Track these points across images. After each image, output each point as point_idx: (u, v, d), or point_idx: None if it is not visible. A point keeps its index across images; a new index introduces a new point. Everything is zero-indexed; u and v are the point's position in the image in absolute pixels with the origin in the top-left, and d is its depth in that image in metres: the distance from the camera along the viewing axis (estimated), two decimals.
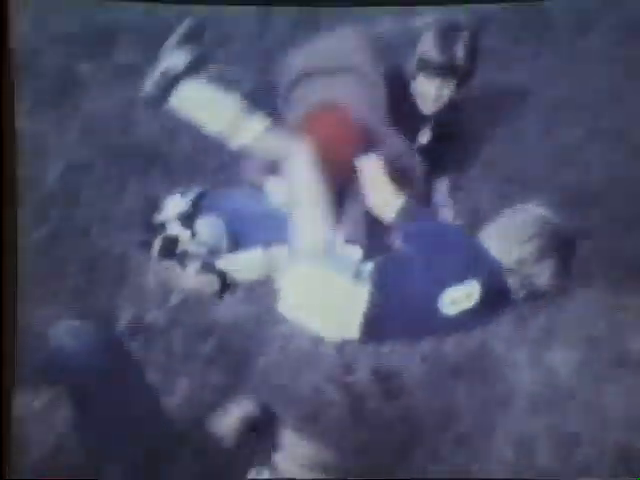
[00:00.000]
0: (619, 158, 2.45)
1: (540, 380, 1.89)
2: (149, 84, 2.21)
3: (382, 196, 2.16)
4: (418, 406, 1.83)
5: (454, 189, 2.47)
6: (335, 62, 2.32)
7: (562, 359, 1.92)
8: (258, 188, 2.25)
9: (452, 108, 2.49)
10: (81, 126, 2.45)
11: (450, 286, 1.98)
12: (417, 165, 2.40)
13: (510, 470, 1.67)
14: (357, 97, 2.29)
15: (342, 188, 2.26)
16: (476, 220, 2.24)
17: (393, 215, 2.11)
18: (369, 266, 2.08)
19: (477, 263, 2.02)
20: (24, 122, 2.43)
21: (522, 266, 2.00)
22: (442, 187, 2.48)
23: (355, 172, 2.23)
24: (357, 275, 2.05)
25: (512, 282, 2.01)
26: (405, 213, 2.10)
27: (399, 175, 2.25)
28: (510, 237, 2.04)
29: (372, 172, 2.19)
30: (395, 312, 2.01)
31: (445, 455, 1.72)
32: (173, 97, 2.19)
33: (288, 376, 1.94)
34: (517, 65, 2.73)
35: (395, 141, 2.35)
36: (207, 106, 2.20)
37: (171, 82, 2.20)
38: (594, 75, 2.65)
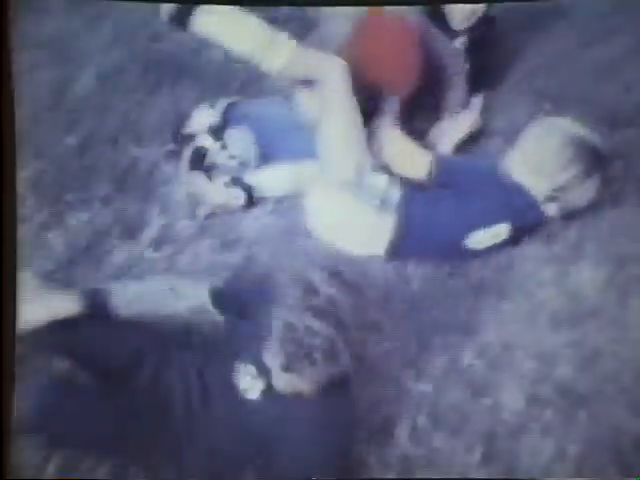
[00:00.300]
0: None
1: (565, 297, 1.89)
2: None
3: (409, 161, 2.14)
4: (441, 319, 1.85)
5: (487, 106, 2.43)
6: None
7: (588, 277, 1.91)
8: (289, 99, 2.23)
9: (486, 23, 2.45)
10: (112, 30, 2.43)
11: (479, 229, 1.98)
12: (460, 65, 2.37)
13: (529, 382, 1.70)
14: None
15: (374, 110, 2.24)
16: (510, 138, 2.21)
17: (424, 174, 2.08)
18: (396, 195, 2.06)
19: (509, 204, 2.00)
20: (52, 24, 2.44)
21: (563, 192, 1.98)
22: (476, 105, 2.44)
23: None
24: (384, 202, 2.05)
25: (550, 208, 1.99)
26: (436, 169, 2.08)
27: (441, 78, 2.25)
28: (547, 164, 2.00)
29: (394, 140, 2.16)
30: (420, 242, 2.00)
31: (464, 366, 1.74)
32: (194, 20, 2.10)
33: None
34: None
35: (438, 38, 2.32)
36: (232, 30, 2.12)
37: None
38: None
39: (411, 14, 2.22)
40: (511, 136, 2.16)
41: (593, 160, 1.99)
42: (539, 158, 2.00)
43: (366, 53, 2.13)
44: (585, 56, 2.53)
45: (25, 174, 2.05)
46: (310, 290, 1.40)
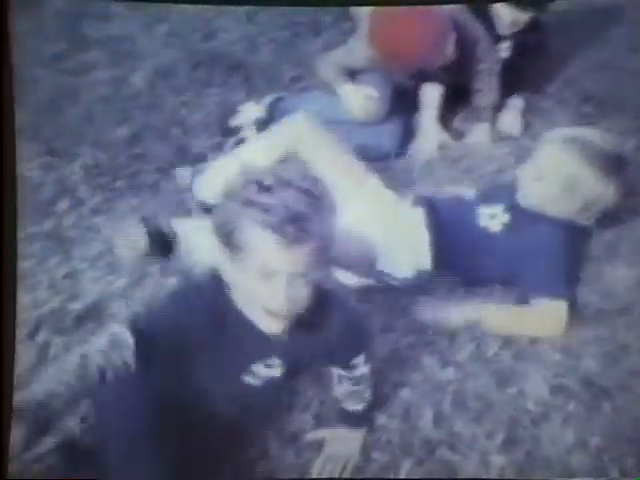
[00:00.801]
0: None
1: (597, 294, 1.90)
2: None
3: None
4: None
5: (529, 109, 2.46)
6: None
7: (622, 275, 1.92)
8: (333, 93, 2.30)
9: (534, 28, 2.47)
10: (167, 32, 2.56)
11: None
12: (494, 60, 2.41)
13: (553, 373, 1.71)
14: None
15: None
16: None
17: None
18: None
19: None
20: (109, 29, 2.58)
21: (593, 204, 1.91)
22: (515, 105, 2.46)
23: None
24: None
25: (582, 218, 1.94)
26: None
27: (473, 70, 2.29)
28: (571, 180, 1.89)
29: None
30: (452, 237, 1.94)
31: (489, 355, 1.78)
32: None
33: None
34: None
35: (474, 26, 2.36)
36: None
37: None
38: None
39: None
40: None
41: (616, 167, 1.91)
42: (559, 173, 1.89)
43: (396, 36, 2.18)
44: (633, 62, 2.53)
45: (81, 162, 2.19)
46: None
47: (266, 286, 1.24)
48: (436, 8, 2.20)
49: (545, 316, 1.82)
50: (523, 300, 1.86)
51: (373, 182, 2.01)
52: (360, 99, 2.27)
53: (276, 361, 1.43)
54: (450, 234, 1.93)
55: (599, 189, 1.88)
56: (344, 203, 1.78)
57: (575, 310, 1.83)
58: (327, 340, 1.44)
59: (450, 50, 2.26)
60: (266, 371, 1.43)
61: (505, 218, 1.92)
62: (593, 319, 1.82)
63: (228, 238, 1.23)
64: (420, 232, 1.93)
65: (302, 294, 1.28)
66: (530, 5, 2.34)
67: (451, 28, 2.24)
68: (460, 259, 1.92)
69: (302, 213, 1.19)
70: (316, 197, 1.22)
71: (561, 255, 1.87)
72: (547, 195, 1.90)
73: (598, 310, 1.85)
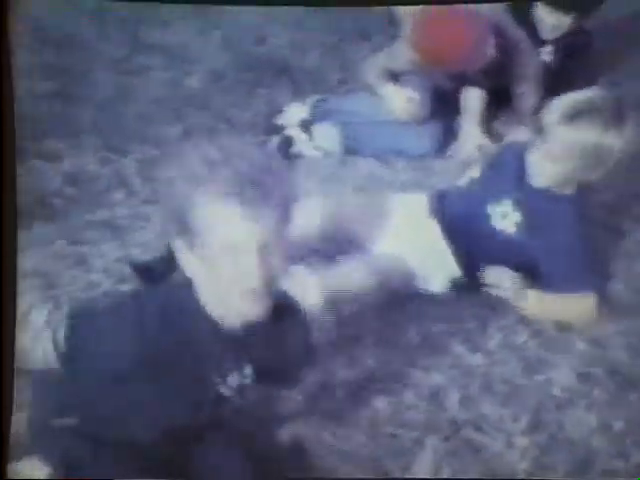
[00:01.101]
0: None
1: (630, 289, 1.93)
2: None
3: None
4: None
5: None
6: None
7: None
8: (375, 95, 2.40)
9: (577, 32, 2.51)
10: (221, 36, 2.69)
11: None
12: (537, 58, 2.47)
13: (580, 363, 1.75)
14: None
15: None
16: None
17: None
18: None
19: None
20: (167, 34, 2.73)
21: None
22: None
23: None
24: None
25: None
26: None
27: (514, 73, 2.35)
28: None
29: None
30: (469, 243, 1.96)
31: (518, 343, 1.83)
32: None
33: None
34: None
35: (515, 29, 2.42)
36: None
37: None
38: None
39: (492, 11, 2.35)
40: None
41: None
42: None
43: (437, 39, 2.27)
44: None
45: (134, 156, 2.33)
46: None
47: (237, 264, 1.17)
48: (476, 11, 2.28)
49: (574, 307, 1.86)
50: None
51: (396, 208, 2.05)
52: (402, 100, 2.36)
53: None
54: (466, 240, 1.96)
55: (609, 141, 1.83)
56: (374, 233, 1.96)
57: (605, 303, 1.87)
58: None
59: (490, 53, 2.33)
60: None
61: (516, 217, 1.92)
62: (624, 313, 1.86)
63: (182, 223, 1.17)
64: (440, 242, 1.97)
65: (274, 264, 1.20)
66: (573, 9, 2.39)
67: (491, 31, 2.31)
68: (482, 263, 1.94)
69: (259, 178, 1.14)
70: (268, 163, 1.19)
71: (582, 247, 1.87)
72: (563, 175, 1.89)
73: (629, 304, 1.89)
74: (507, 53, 2.38)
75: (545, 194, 1.91)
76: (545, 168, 1.90)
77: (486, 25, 2.31)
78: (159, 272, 1.41)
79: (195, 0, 2.34)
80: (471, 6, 2.28)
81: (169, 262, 1.31)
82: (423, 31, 2.28)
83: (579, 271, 1.85)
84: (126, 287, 1.94)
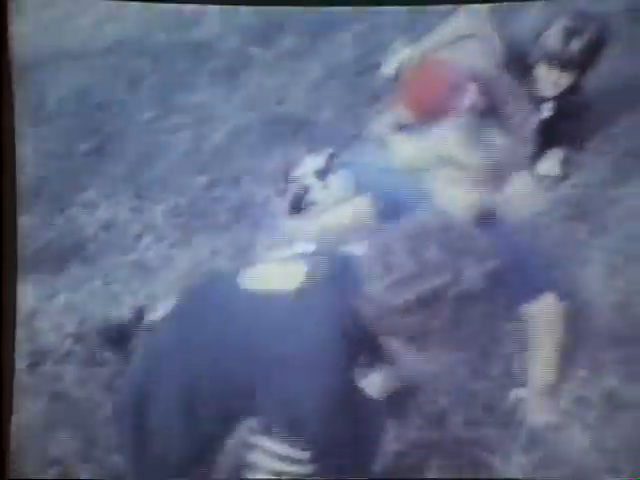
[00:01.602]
0: None
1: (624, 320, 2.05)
2: None
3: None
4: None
5: (567, 161, 2.65)
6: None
7: None
8: (385, 145, 2.58)
9: (575, 91, 2.67)
10: (245, 97, 2.92)
11: None
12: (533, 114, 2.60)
13: (577, 387, 1.87)
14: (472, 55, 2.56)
15: None
16: (590, 197, 2.46)
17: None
18: None
19: None
20: (198, 96, 2.96)
21: None
22: (554, 158, 2.65)
23: None
24: None
25: None
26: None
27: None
28: None
29: None
30: None
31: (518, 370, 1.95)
32: None
33: None
34: None
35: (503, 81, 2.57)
36: None
37: None
38: None
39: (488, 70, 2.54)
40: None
41: None
42: None
43: (418, 92, 2.49)
44: None
45: (164, 205, 2.54)
46: None
47: None
48: (452, 63, 2.48)
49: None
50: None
51: None
52: (408, 150, 2.53)
53: None
54: None
55: None
56: None
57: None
58: None
59: (472, 100, 2.50)
60: None
61: None
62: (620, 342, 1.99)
63: None
64: None
65: None
66: (572, 68, 2.56)
67: (473, 79, 2.49)
68: None
69: None
70: None
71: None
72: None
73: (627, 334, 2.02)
74: (495, 102, 2.55)
75: None
76: None
77: (461, 73, 2.49)
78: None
79: None
80: (458, 60, 2.49)
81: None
82: (409, 86, 2.50)
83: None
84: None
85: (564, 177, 2.58)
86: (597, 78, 2.69)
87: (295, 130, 2.80)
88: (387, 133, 2.58)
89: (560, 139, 2.66)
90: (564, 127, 2.66)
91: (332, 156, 2.61)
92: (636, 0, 2.83)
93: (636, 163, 2.60)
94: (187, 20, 2.96)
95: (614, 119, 2.81)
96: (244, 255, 2.36)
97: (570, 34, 2.48)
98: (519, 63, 2.62)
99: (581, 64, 2.52)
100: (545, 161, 2.63)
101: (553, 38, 2.52)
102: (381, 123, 2.62)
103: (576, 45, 2.46)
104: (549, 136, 2.62)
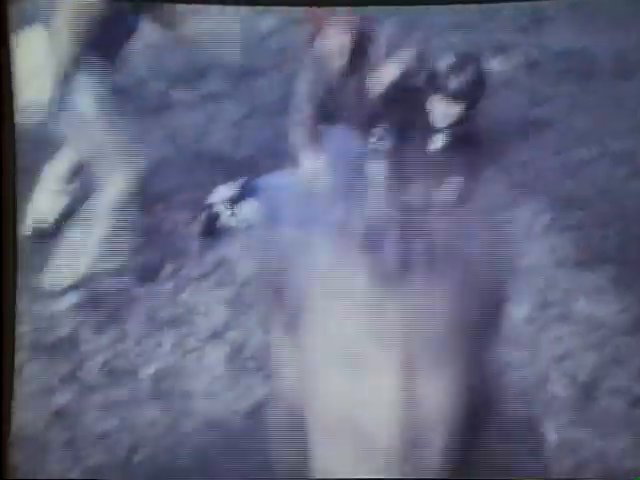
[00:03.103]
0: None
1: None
2: None
3: None
4: None
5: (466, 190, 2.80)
6: None
7: None
8: (296, 170, 2.74)
9: (465, 122, 2.83)
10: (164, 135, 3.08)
11: None
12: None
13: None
14: None
15: None
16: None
17: None
18: None
19: None
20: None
21: None
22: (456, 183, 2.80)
23: None
24: None
25: None
26: None
27: None
28: None
29: None
30: None
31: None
32: None
33: None
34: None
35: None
36: None
37: None
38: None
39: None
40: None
41: None
42: None
43: None
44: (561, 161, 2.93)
45: None
46: None
47: None
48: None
49: None
50: None
51: None
52: (321, 173, 2.67)
53: None
54: None
55: None
56: None
57: None
58: None
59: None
60: None
61: None
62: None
63: None
64: None
65: None
66: (461, 99, 2.74)
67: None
68: None
69: None
70: None
71: None
72: None
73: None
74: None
75: None
76: None
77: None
78: None
79: None
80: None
81: None
82: None
83: None
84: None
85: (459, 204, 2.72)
86: (485, 110, 2.89)
87: (213, 163, 2.95)
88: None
89: (454, 169, 2.82)
90: (459, 157, 2.82)
91: (245, 184, 2.78)
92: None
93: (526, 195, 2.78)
94: None
95: (503, 153, 2.98)
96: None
97: (460, 68, 2.68)
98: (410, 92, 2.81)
99: (468, 96, 2.72)
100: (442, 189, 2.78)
101: (444, 70, 2.70)
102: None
103: (463, 77, 2.67)
104: (440, 169, 2.78)
